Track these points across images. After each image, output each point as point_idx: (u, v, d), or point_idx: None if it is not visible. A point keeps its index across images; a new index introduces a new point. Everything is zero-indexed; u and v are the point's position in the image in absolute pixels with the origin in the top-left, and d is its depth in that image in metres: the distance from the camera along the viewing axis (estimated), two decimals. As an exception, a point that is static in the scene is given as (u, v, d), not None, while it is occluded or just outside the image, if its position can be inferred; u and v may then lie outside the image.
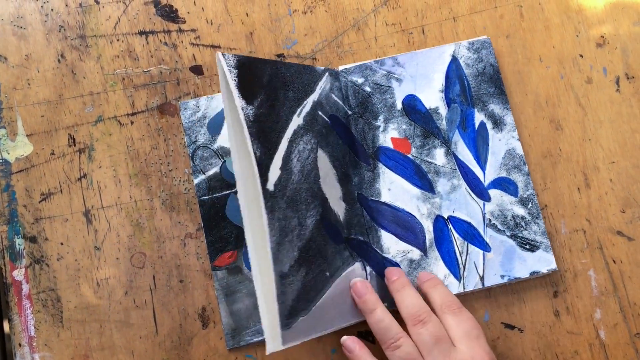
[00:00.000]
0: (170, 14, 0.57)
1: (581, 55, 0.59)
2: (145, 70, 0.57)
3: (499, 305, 0.55)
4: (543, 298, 0.55)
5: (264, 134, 0.47)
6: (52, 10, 0.57)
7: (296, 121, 0.50)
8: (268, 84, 0.49)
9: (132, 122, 0.56)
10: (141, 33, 0.57)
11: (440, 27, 0.59)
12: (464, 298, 0.54)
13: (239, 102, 0.47)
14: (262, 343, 0.53)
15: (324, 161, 0.51)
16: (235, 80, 0.47)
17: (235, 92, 0.47)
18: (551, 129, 0.58)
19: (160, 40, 0.57)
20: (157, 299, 0.53)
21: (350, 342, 0.49)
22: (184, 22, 0.57)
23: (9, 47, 0.56)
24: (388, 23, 0.59)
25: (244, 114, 0.46)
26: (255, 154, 0.46)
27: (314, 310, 0.47)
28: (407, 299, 0.49)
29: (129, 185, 0.55)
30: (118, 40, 0.57)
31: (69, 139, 0.55)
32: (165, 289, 0.53)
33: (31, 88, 0.55)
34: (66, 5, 0.57)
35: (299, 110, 0.51)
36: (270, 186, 0.47)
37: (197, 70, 0.57)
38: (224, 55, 0.47)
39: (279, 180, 0.47)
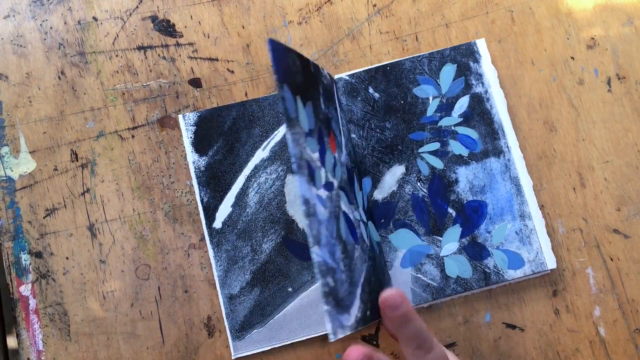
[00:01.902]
0: (167, 29, 0.58)
1: (572, 58, 0.60)
2: (144, 84, 0.57)
3: (499, 306, 0.56)
4: (543, 297, 0.56)
5: (215, 180, 0.55)
6: (51, 28, 0.57)
7: (260, 155, 0.56)
8: (230, 129, 0.56)
9: (133, 136, 0.57)
10: (139, 48, 0.58)
11: (433, 33, 0.60)
12: (465, 300, 0.55)
13: (191, 156, 0.56)
14: (269, 352, 0.54)
15: (294, 184, 0.56)
16: (191, 137, 0.56)
17: (189, 148, 0.56)
18: (545, 131, 0.59)
19: (159, 55, 0.58)
20: (162, 309, 0.54)
21: (354, 353, 0.41)
22: (182, 36, 0.58)
23: (9, 66, 0.57)
24: (382, 31, 0.60)
25: (195, 166, 0.56)
26: (202, 200, 0.55)
27: (271, 323, 0.53)
28: (410, 333, 0.43)
29: (131, 199, 0.56)
30: (117, 55, 0.58)
31: (71, 155, 0.56)
32: (171, 299, 0.54)
33: (33, 105, 0.56)
34: (65, 23, 0.58)
35: (264, 144, 0.56)
36: (218, 224, 0.55)
37: (195, 83, 0.58)
38: (184, 115, 0.56)
39: (229, 217, 0.55)
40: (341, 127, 0.55)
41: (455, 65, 0.58)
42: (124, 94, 0.57)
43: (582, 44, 0.60)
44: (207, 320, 0.54)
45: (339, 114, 0.55)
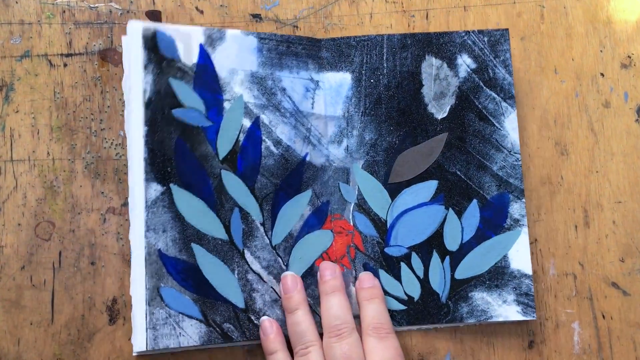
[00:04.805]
0: (133, -55, 0.48)
1: (602, 74, 0.51)
2: (92, 5, 0.47)
3: (464, 348, 0.47)
4: (516, 347, 0.47)
5: None
6: None
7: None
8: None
9: (65, 65, 0.46)
10: (95, -39, 0.47)
11: (448, 14, 0.50)
12: (426, 334, 0.46)
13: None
14: (179, 352, 0.44)
15: None
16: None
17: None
18: (555, 153, 0.49)
19: (117, -26, 0.47)
20: (59, 280, 0.44)
21: (268, 323, 0.44)
22: (149, -43, 0.48)
23: None
24: (388, 0, 0.50)
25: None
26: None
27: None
28: (333, 307, 0.44)
29: (48, 139, 0.45)
30: (65, -36, 0.47)
31: (-15, 72, 0.45)
32: (72, 269, 0.44)
33: (-51, 4, 0.46)
34: None
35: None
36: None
37: (154, 16, 0.48)
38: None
39: None
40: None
41: None
42: (64, 11, 0.47)
43: (616, 61, 0.51)
44: (112, 302, 0.44)
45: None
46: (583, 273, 0.48)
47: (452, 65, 0.47)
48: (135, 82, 0.44)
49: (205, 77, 0.45)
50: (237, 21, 0.48)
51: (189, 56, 0.45)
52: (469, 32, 0.48)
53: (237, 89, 0.45)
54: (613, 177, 0.50)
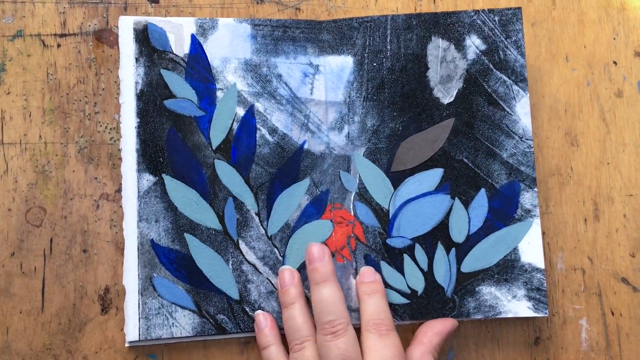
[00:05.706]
0: None
1: (615, 62, 0.49)
2: (87, -16, 0.46)
3: (467, 344, 0.45)
4: (521, 344, 0.45)
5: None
6: None
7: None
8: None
9: (59, 45, 0.45)
10: (90, -61, 0.46)
11: (456, -2, 0.49)
12: (428, 328, 0.44)
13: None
14: (173, 343, 0.43)
15: None
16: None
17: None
18: (565, 143, 0.48)
19: (113, -48, 0.46)
20: (50, 268, 0.43)
21: (262, 317, 0.43)
22: None
23: None
24: (394, -18, 0.48)
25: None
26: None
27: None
28: (325, 300, 0.41)
29: (40, 122, 0.44)
30: (60, -58, 0.45)
31: (-25, 52, 0.44)
32: (63, 257, 0.43)
33: (-61, -19, 0.44)
34: None
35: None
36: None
37: (151, -4, 0.46)
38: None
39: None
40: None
41: None
42: (58, -10, 0.45)
43: (629, 49, 0.49)
44: (104, 292, 0.43)
45: None
46: (592, 268, 0.47)
47: (460, 46, 0.45)
48: (127, 75, 0.43)
49: (197, 67, 0.44)
50: (238, 3, 0.47)
51: (180, 47, 0.44)
52: (478, 11, 0.46)
53: (231, 77, 0.44)
54: (625, 169, 0.48)
